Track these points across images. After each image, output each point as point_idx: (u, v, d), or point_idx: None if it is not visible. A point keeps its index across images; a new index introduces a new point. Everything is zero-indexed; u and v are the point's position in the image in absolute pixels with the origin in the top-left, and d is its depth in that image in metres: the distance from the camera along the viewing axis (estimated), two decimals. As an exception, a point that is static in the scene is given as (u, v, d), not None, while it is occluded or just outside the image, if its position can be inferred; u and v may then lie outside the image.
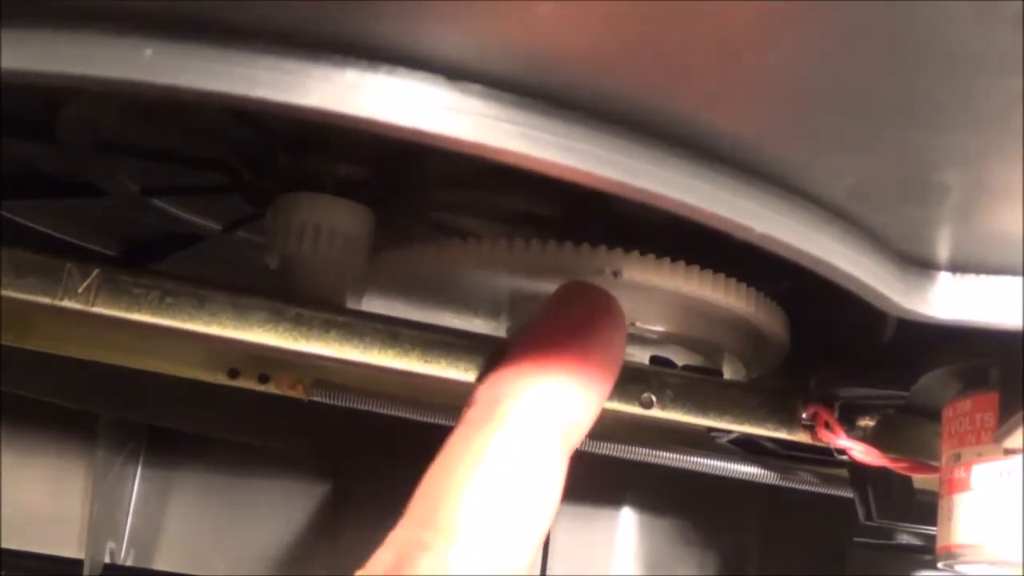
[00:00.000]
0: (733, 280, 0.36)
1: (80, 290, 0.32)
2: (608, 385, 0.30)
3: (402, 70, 0.22)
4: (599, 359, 0.30)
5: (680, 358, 0.40)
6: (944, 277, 0.29)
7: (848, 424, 0.37)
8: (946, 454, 0.34)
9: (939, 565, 0.34)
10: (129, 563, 0.62)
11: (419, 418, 0.44)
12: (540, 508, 0.28)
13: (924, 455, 0.38)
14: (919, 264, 0.29)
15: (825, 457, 0.41)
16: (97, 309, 0.32)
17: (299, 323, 0.33)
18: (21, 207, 0.46)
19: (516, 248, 0.35)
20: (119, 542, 0.62)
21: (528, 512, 0.27)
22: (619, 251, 0.35)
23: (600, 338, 0.30)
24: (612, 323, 0.31)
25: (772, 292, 0.37)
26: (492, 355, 0.33)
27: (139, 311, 0.32)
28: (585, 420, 0.29)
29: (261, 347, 0.33)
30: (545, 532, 0.28)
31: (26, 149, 0.41)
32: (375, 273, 0.39)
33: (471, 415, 0.29)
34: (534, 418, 0.28)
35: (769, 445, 0.45)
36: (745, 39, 0.20)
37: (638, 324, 0.37)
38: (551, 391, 0.29)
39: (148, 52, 0.21)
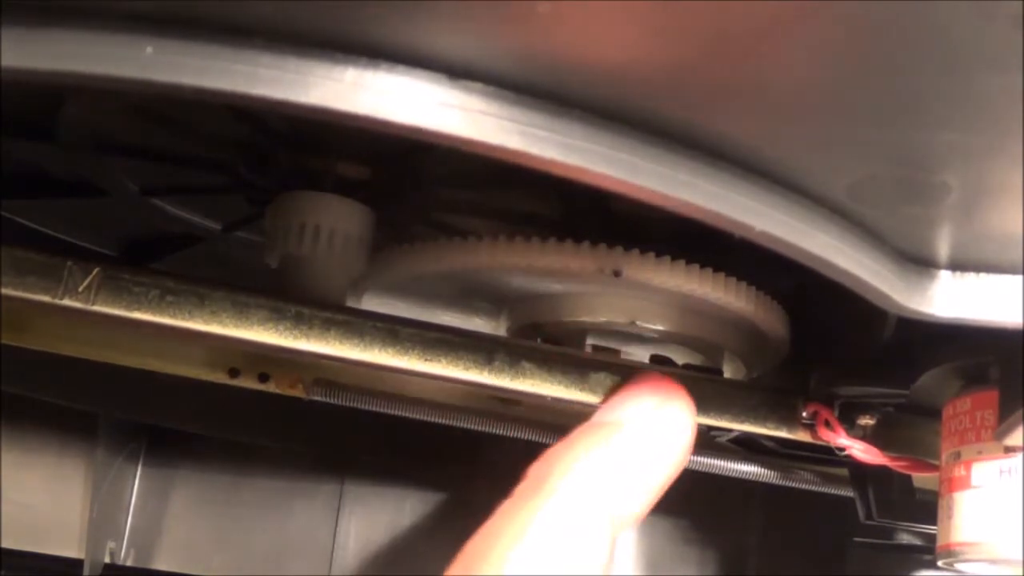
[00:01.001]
0: (733, 279, 0.36)
1: (80, 289, 0.32)
2: (667, 473, 0.30)
3: (402, 68, 0.22)
4: (658, 447, 0.30)
5: (680, 357, 0.40)
6: (944, 275, 0.29)
7: (848, 423, 0.37)
8: (946, 452, 0.34)
9: (939, 564, 0.34)
10: (129, 563, 0.62)
11: (419, 418, 0.44)
12: None
13: (924, 454, 0.38)
14: (919, 262, 0.29)
15: (825, 456, 0.41)
16: (97, 308, 0.32)
17: (299, 322, 0.33)
18: (21, 207, 0.46)
19: (516, 247, 0.35)
20: (119, 542, 0.62)
21: None
22: (619, 250, 0.35)
23: (665, 427, 0.31)
24: (681, 413, 0.31)
25: (772, 291, 0.37)
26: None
27: (139, 310, 0.32)
28: (637, 503, 0.30)
29: (261, 346, 0.33)
30: None
31: (26, 149, 0.41)
32: (375, 273, 0.39)
33: (520, 489, 0.29)
34: (582, 495, 0.28)
35: (769, 444, 0.45)
36: (745, 38, 0.20)
37: (638, 323, 0.37)
38: (603, 471, 0.29)
39: (148, 50, 0.21)
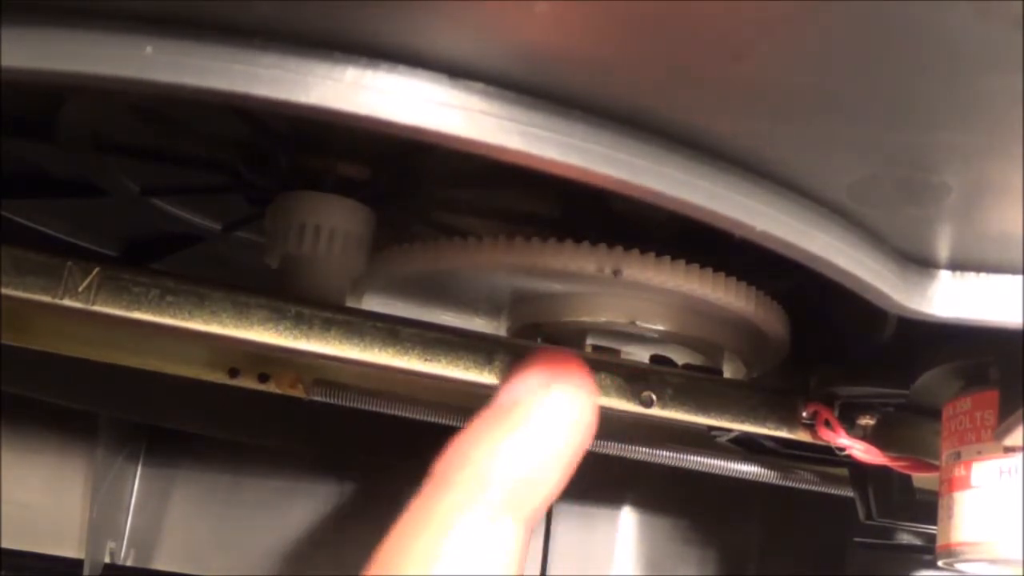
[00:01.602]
0: (733, 279, 0.36)
1: (80, 288, 0.32)
2: (565, 453, 0.29)
3: (402, 68, 0.22)
4: (549, 428, 0.29)
5: (680, 357, 0.40)
6: (944, 275, 0.29)
7: (848, 423, 0.37)
8: (946, 452, 0.34)
9: (939, 564, 0.34)
10: (129, 563, 0.62)
11: (420, 417, 0.44)
12: None
13: (924, 454, 0.38)
14: (919, 262, 0.29)
15: (825, 456, 0.41)
16: (97, 308, 0.32)
17: (299, 321, 0.33)
18: (21, 207, 0.46)
19: (516, 247, 0.35)
20: (119, 542, 0.62)
21: None
22: (619, 249, 0.35)
23: (554, 407, 0.29)
24: (570, 389, 0.29)
25: (772, 291, 0.37)
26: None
27: (139, 309, 0.32)
28: (538, 488, 0.28)
29: (261, 346, 0.33)
30: None
31: (26, 149, 0.41)
32: (375, 272, 0.39)
33: (425, 488, 0.28)
34: (480, 489, 0.28)
35: (769, 444, 0.45)
36: (744, 38, 0.20)
37: (638, 323, 0.37)
38: (498, 460, 0.28)
39: (148, 50, 0.21)
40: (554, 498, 0.29)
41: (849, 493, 0.43)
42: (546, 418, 0.29)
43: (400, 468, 0.62)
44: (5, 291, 0.32)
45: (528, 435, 0.28)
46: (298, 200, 0.38)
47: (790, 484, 0.47)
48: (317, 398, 0.43)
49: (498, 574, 0.27)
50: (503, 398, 0.30)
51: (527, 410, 0.29)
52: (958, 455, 0.33)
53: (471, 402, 0.43)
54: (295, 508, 0.63)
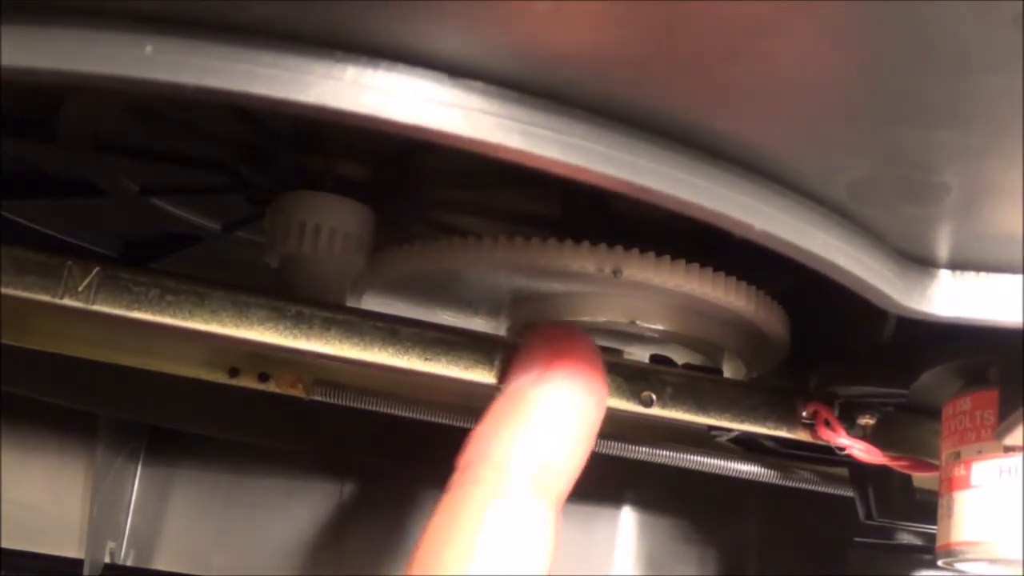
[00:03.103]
0: (733, 278, 0.36)
1: (80, 288, 0.32)
2: (582, 431, 0.30)
3: (402, 67, 0.22)
4: (560, 408, 0.29)
5: (680, 357, 0.40)
6: (944, 275, 0.29)
7: (848, 422, 0.37)
8: (946, 452, 0.34)
9: (939, 564, 0.34)
10: (129, 563, 0.62)
11: (419, 417, 0.44)
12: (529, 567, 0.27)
13: (924, 453, 0.38)
14: (919, 262, 0.29)
15: (825, 456, 0.41)
16: (97, 307, 0.32)
17: (299, 321, 0.33)
18: (21, 207, 0.46)
19: (516, 247, 0.35)
20: (119, 542, 0.62)
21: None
22: (619, 249, 0.35)
23: (562, 387, 0.30)
24: (577, 360, 0.30)
25: (772, 290, 0.37)
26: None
27: (139, 309, 0.32)
28: (561, 469, 0.29)
29: (261, 345, 0.33)
30: None
31: (26, 149, 0.41)
32: (375, 272, 0.39)
33: (452, 482, 0.29)
34: (504, 476, 0.28)
35: (769, 444, 0.45)
36: (744, 38, 0.20)
37: (638, 323, 0.37)
38: (517, 446, 0.29)
39: (148, 49, 0.21)
40: (576, 477, 0.29)
41: (849, 493, 0.43)
42: (559, 400, 0.29)
43: (400, 468, 0.62)
44: (5, 291, 0.32)
45: (544, 420, 0.29)
46: (298, 200, 0.38)
47: (790, 484, 0.47)
48: (317, 398, 0.43)
49: (534, 560, 0.28)
50: (514, 384, 0.30)
51: (539, 395, 0.29)
52: (958, 455, 0.33)
53: (471, 402, 0.44)
54: (295, 508, 0.63)
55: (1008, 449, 0.32)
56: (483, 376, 0.34)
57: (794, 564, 0.61)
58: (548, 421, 0.29)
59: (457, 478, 0.29)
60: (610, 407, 0.35)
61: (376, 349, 0.34)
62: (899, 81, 0.21)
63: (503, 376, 0.31)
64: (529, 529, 0.28)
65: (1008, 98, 0.21)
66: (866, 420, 0.38)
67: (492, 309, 0.41)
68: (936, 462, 0.35)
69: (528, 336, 0.31)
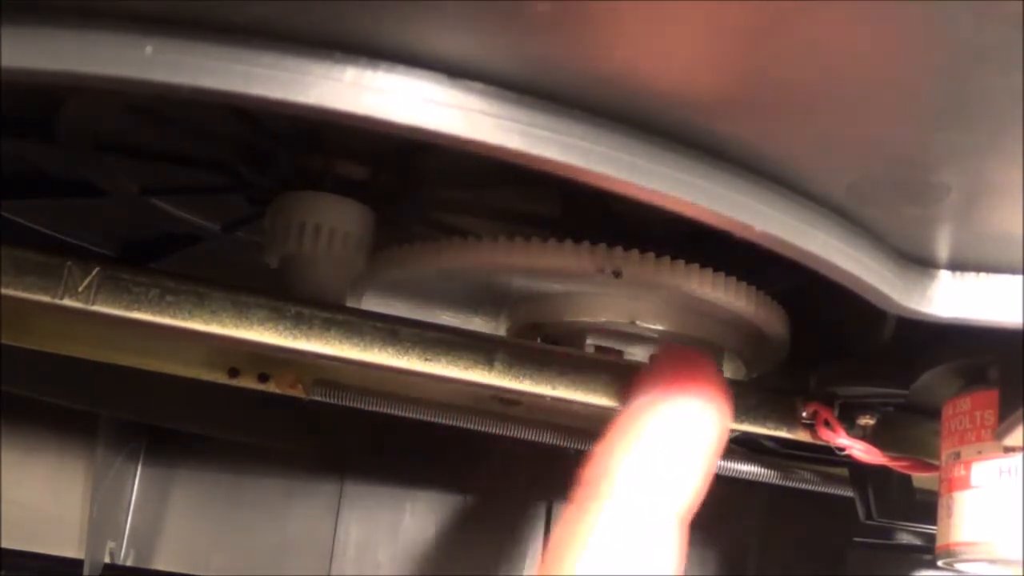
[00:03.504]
0: (733, 279, 0.36)
1: (80, 288, 0.32)
2: (707, 450, 0.30)
3: (402, 67, 0.22)
4: (686, 427, 0.30)
5: (680, 357, 0.40)
6: (944, 275, 0.29)
7: (848, 423, 0.37)
8: (946, 452, 0.34)
9: (939, 564, 0.34)
10: (129, 563, 0.62)
11: (419, 417, 0.44)
12: None
13: (924, 454, 0.38)
14: (919, 262, 0.29)
15: (825, 456, 0.41)
16: (97, 307, 0.32)
17: (299, 321, 0.33)
18: (21, 207, 0.46)
19: (516, 247, 0.35)
20: (119, 542, 0.62)
21: None
22: (619, 250, 0.35)
23: (689, 408, 0.30)
24: (709, 385, 0.30)
25: (772, 290, 0.37)
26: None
27: (139, 309, 0.32)
28: (687, 485, 0.29)
29: (261, 346, 0.33)
30: None
31: (26, 149, 0.41)
32: (375, 272, 0.39)
33: (579, 495, 0.29)
34: (634, 491, 0.28)
35: (769, 444, 0.45)
36: (744, 38, 0.20)
37: (638, 323, 0.37)
38: (647, 464, 0.29)
39: (148, 50, 0.21)
40: (700, 494, 0.30)
41: (849, 493, 0.43)
42: (680, 419, 0.30)
43: (399, 468, 0.62)
44: (5, 291, 0.32)
45: (665, 438, 0.29)
46: (298, 200, 0.38)
47: (790, 484, 0.47)
48: (317, 398, 0.43)
49: (661, 573, 0.28)
50: (637, 403, 0.30)
51: (661, 414, 0.30)
52: (958, 455, 0.33)
53: (470, 402, 0.44)
54: (295, 508, 0.63)
55: (1008, 449, 0.32)
56: (483, 377, 0.34)
57: (794, 564, 0.61)
58: (669, 439, 0.30)
59: (582, 493, 0.29)
60: (609, 408, 0.35)
61: (376, 349, 0.34)
62: (899, 81, 0.21)
63: (627, 395, 0.32)
64: (653, 543, 0.28)
65: (1008, 98, 0.21)
66: (866, 420, 0.38)
67: (492, 309, 0.41)
68: (936, 462, 0.35)
69: (653, 357, 0.32)
